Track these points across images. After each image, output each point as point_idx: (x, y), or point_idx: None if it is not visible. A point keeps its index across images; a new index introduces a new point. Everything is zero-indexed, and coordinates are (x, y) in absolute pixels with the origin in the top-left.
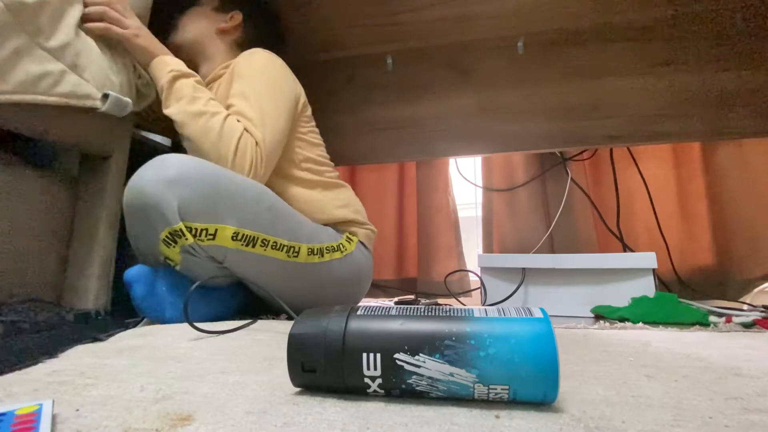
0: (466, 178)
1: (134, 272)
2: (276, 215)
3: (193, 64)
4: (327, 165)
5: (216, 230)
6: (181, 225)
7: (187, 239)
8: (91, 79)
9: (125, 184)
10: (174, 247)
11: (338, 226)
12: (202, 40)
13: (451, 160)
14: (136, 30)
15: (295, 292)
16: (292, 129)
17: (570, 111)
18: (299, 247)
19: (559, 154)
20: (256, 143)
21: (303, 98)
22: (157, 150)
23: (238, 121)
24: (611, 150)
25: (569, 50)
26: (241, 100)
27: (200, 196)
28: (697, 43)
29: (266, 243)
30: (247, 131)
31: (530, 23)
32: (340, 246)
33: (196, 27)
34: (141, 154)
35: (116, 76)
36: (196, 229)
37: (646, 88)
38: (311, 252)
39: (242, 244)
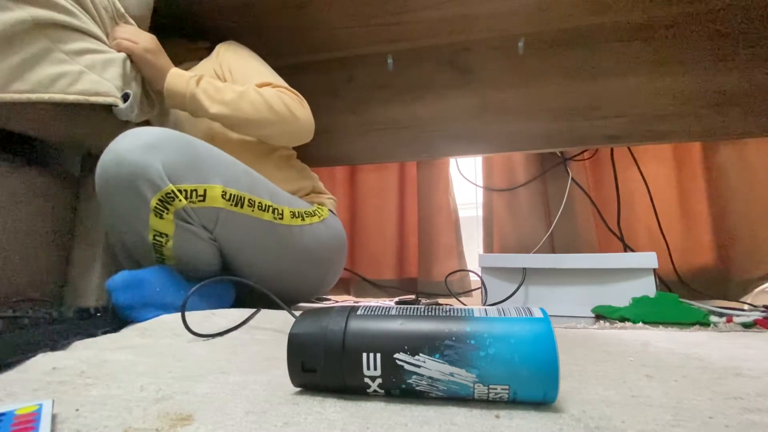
0: (466, 178)
1: (117, 279)
2: (253, 178)
3: None
4: None
5: (205, 190)
6: (171, 187)
7: (180, 201)
8: (110, 79)
9: None
10: (167, 214)
11: (304, 196)
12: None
13: (452, 160)
14: (146, 44)
15: (284, 261)
16: None
17: (570, 111)
18: (282, 209)
19: (559, 154)
20: (288, 89)
21: None
22: None
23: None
24: (612, 150)
25: (570, 50)
26: (249, 79)
27: (182, 156)
28: (697, 43)
29: (253, 203)
30: (272, 87)
31: (530, 23)
32: (316, 211)
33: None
34: None
35: (132, 82)
36: (186, 191)
37: (646, 88)
38: (294, 215)
39: (231, 204)
